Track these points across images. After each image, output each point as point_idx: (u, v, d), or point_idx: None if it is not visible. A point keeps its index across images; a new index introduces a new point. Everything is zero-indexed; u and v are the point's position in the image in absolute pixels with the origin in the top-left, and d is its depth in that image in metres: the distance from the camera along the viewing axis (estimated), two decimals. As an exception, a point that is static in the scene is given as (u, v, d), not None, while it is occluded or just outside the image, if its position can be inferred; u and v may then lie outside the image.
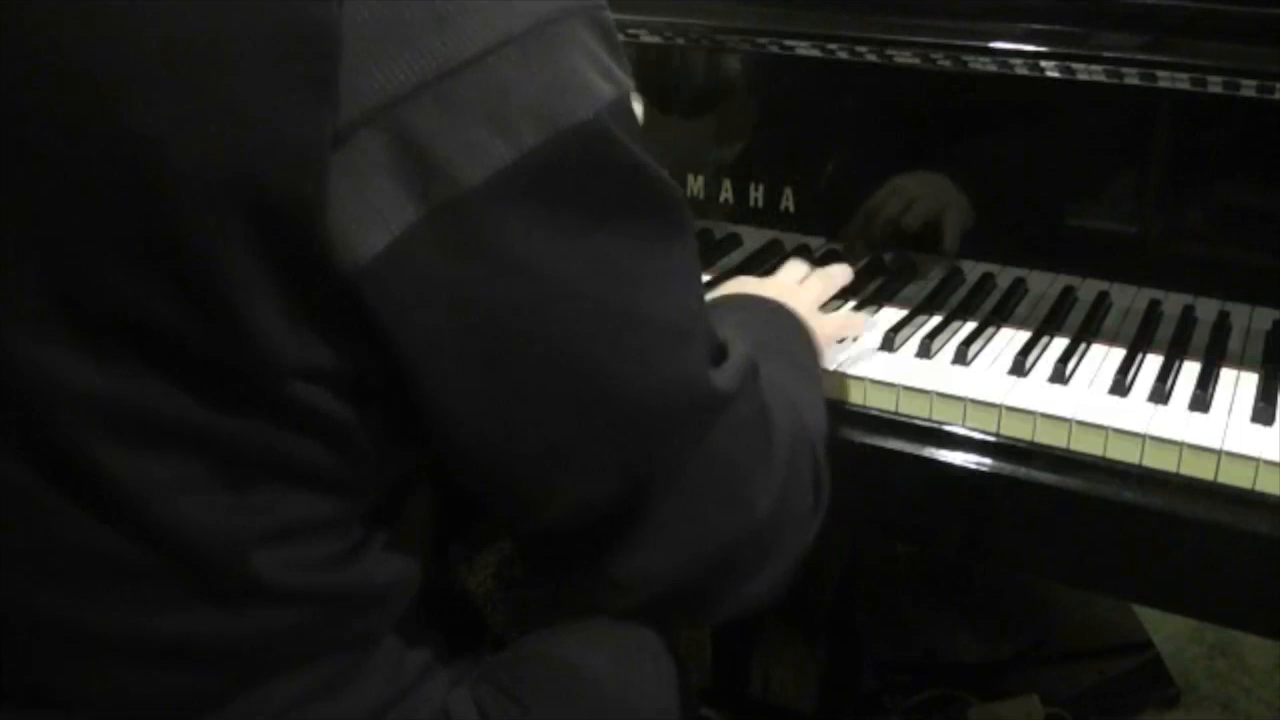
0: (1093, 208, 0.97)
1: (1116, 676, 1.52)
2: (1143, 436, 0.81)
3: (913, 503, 0.90)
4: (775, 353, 0.73)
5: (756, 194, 1.07)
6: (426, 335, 0.50)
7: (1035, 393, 0.87)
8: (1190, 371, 0.89)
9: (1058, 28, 0.90)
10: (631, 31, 1.04)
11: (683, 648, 0.72)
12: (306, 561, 0.56)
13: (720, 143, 1.09)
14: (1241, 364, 0.90)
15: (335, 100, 0.46)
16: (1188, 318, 0.95)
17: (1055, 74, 0.91)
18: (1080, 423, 0.83)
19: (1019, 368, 0.90)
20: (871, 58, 0.97)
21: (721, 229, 1.10)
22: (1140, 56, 0.87)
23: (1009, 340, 0.96)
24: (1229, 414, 0.84)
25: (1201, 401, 0.84)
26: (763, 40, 1.01)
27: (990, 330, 0.96)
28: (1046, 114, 0.96)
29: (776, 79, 1.06)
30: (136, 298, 0.48)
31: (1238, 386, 0.87)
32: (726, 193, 1.09)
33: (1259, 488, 0.78)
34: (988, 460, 0.85)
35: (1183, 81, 0.87)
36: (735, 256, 1.09)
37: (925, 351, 0.93)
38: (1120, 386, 0.87)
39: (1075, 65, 0.90)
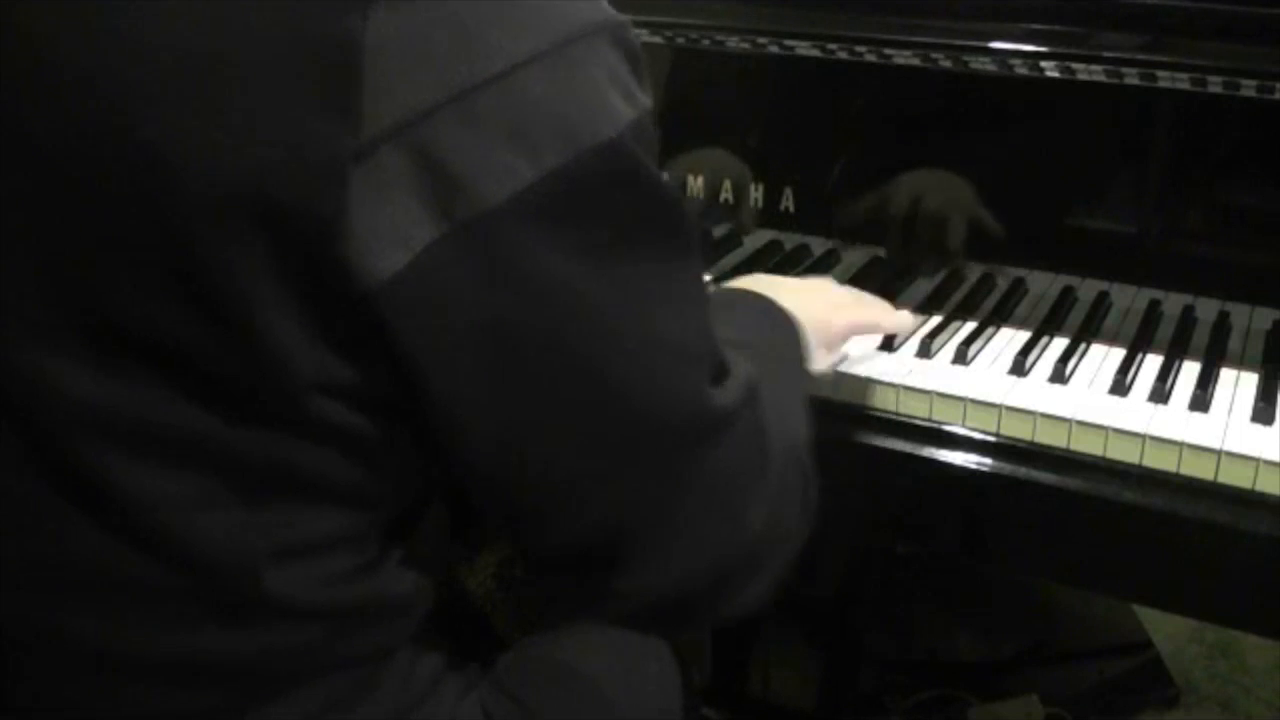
0: (1093, 208, 0.97)
1: (1116, 676, 1.52)
2: (1143, 436, 0.81)
3: (913, 503, 0.90)
4: (763, 357, 0.73)
5: (756, 194, 1.07)
6: (444, 353, 0.50)
7: (1035, 393, 0.87)
8: (1190, 371, 0.89)
9: (1058, 28, 0.90)
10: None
11: (683, 648, 0.72)
12: (321, 577, 0.56)
13: (720, 143, 1.09)
14: (1241, 364, 0.90)
15: (357, 117, 0.45)
16: (1188, 318, 0.95)
17: (1055, 74, 0.91)
18: (1080, 423, 0.83)
19: (1019, 368, 0.90)
20: (871, 58, 0.97)
21: (722, 229, 1.10)
22: (1140, 56, 0.87)
23: (1009, 340, 0.96)
24: (1229, 414, 0.84)
25: (1201, 401, 0.84)
26: (763, 40, 1.01)
27: (990, 330, 0.96)
28: (1046, 114, 0.96)
29: (776, 79, 1.06)
30: (152, 313, 0.48)
31: (1238, 386, 0.87)
32: (726, 193, 1.09)
33: (1259, 488, 0.78)
34: (988, 460, 0.85)
35: (1183, 81, 0.87)
36: (735, 256, 1.09)
37: (925, 351, 0.93)
38: (1120, 386, 0.87)
39: (1075, 65, 0.90)
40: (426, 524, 0.63)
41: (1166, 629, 1.63)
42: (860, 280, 1.03)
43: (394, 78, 0.46)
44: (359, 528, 0.57)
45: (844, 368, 0.90)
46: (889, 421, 0.89)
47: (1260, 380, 0.88)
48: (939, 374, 0.90)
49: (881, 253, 1.06)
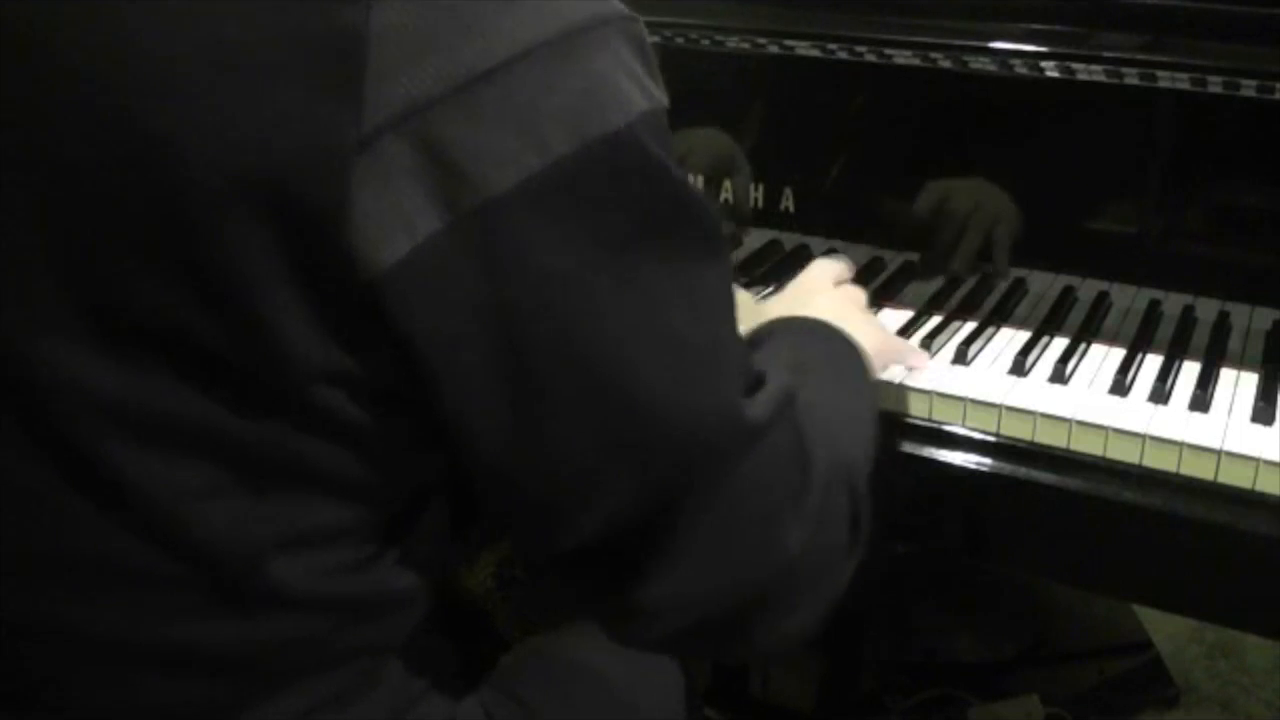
0: (1093, 208, 0.97)
1: (1116, 676, 1.52)
2: (1143, 436, 0.81)
3: (913, 503, 0.90)
4: (819, 375, 0.71)
5: (756, 194, 1.07)
6: (447, 343, 0.49)
7: (1035, 393, 0.87)
8: (1190, 371, 0.89)
9: (1058, 28, 0.90)
10: (631, 31, 1.04)
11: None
12: (324, 569, 0.56)
13: (720, 143, 1.09)
14: (1241, 364, 0.90)
15: (361, 106, 0.45)
16: (1188, 318, 0.95)
17: (1055, 74, 0.91)
18: (1080, 423, 0.83)
19: (1019, 368, 0.90)
20: (871, 58, 0.97)
21: (723, 229, 1.10)
22: (1140, 56, 0.87)
23: (1009, 340, 0.96)
24: (1229, 414, 0.84)
25: (1201, 401, 0.84)
26: (763, 40, 1.01)
27: (990, 330, 0.96)
28: (1046, 114, 0.96)
29: (776, 79, 1.06)
30: (159, 302, 0.48)
31: (1238, 386, 0.87)
32: (726, 193, 1.09)
33: (1259, 488, 0.78)
34: (988, 460, 0.85)
35: (1183, 81, 0.87)
36: (735, 256, 1.09)
37: (925, 351, 0.93)
38: (1120, 386, 0.87)
39: (1075, 65, 0.90)
40: (428, 520, 0.63)
41: (1166, 629, 1.64)
42: (860, 280, 1.03)
43: (398, 67, 0.45)
44: (361, 521, 0.57)
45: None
46: (889, 421, 0.88)
47: (1260, 380, 0.88)
48: (939, 374, 0.90)
49: (882, 253, 1.06)
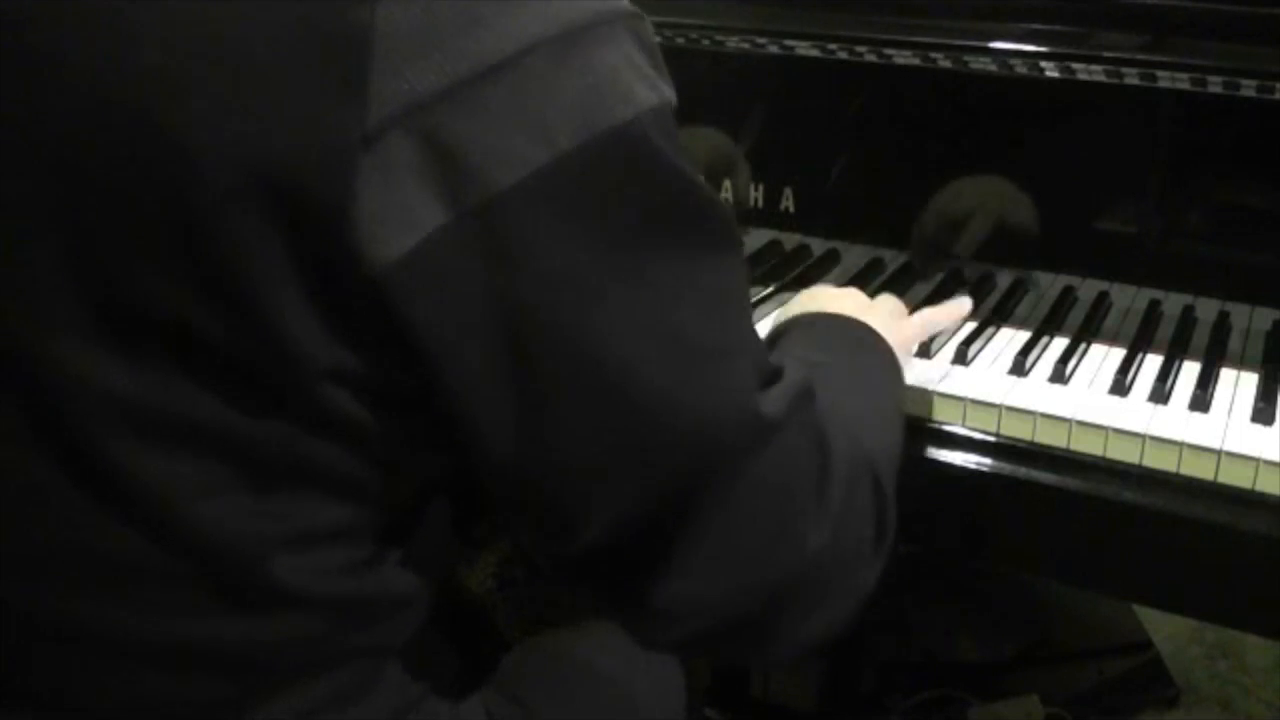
0: (1093, 208, 0.97)
1: (1116, 676, 1.52)
2: (1143, 436, 0.81)
3: (913, 503, 0.90)
4: (842, 372, 0.70)
5: (756, 194, 1.07)
6: (452, 338, 0.49)
7: (1035, 393, 0.87)
8: (1190, 371, 0.89)
9: (1058, 28, 0.90)
10: (631, 31, 1.04)
11: (683, 648, 0.72)
12: (326, 568, 0.56)
13: (720, 143, 1.09)
14: (1241, 364, 0.90)
15: (366, 102, 0.45)
16: (1188, 318, 0.95)
17: (1055, 74, 0.91)
18: (1080, 423, 0.83)
19: (1019, 368, 0.90)
20: (871, 58, 0.97)
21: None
22: (1140, 56, 0.87)
23: (1009, 340, 0.96)
24: (1229, 414, 0.84)
25: (1201, 401, 0.84)
26: (763, 40, 1.01)
27: (990, 330, 0.96)
28: (1046, 114, 0.96)
29: (776, 79, 1.06)
30: (165, 298, 0.48)
31: (1238, 386, 0.87)
32: (726, 193, 1.09)
33: (1259, 488, 0.78)
34: (988, 460, 0.85)
35: (1183, 81, 0.87)
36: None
37: (925, 352, 0.93)
38: (1120, 386, 0.87)
39: (1075, 65, 0.90)
40: (430, 521, 0.63)
41: (1166, 629, 1.64)
42: (860, 280, 1.03)
43: (403, 63, 0.46)
44: (364, 521, 0.57)
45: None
46: (889, 421, 0.88)
47: (1260, 380, 0.88)
48: (939, 374, 0.90)
49: (882, 253, 1.06)
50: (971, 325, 0.97)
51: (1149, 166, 0.94)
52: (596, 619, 0.70)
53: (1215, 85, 0.86)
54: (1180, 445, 0.80)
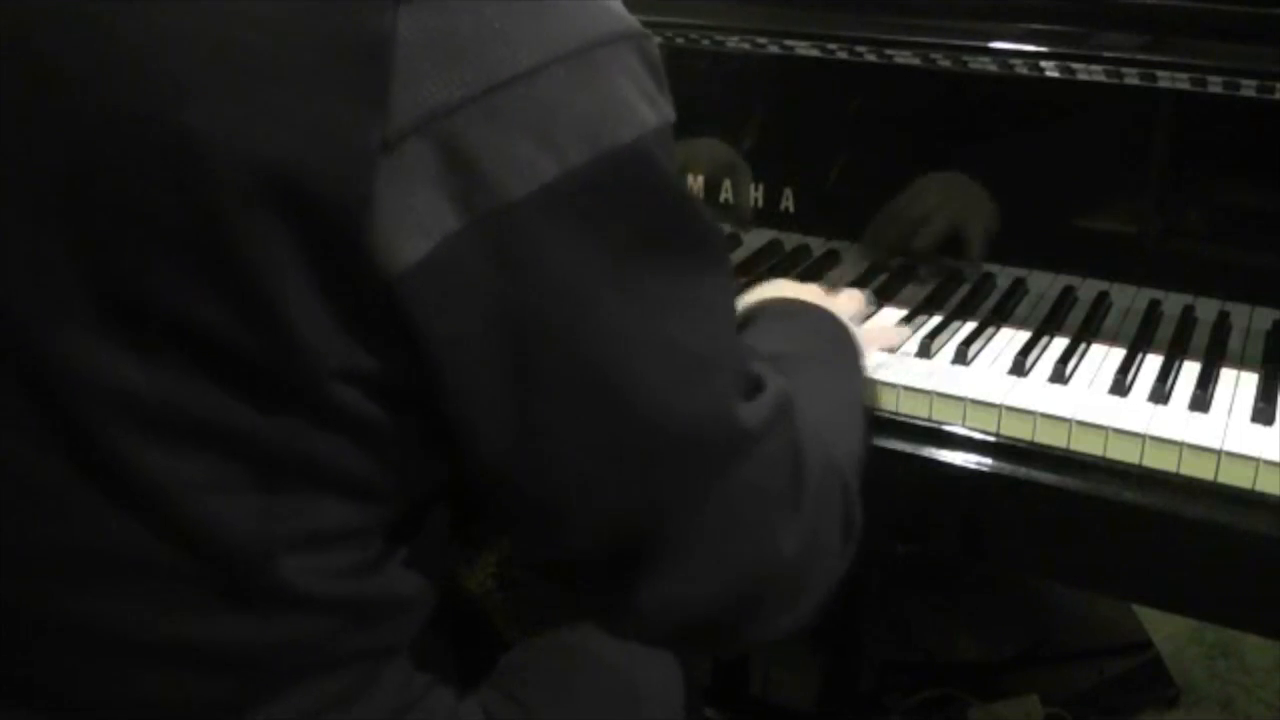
0: (1093, 208, 0.97)
1: (1116, 676, 1.52)
2: (1143, 436, 0.81)
3: (913, 503, 0.90)
4: (814, 369, 0.72)
5: (756, 194, 1.07)
6: (457, 341, 0.50)
7: (1035, 393, 0.87)
8: (1190, 371, 0.89)
9: (1058, 28, 0.90)
10: (631, 31, 1.04)
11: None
12: (332, 569, 0.56)
13: (720, 143, 1.09)
14: (1241, 364, 0.90)
15: (386, 109, 0.46)
16: (1188, 318, 0.95)
17: (1055, 74, 0.91)
18: (1080, 423, 0.83)
19: (1019, 368, 0.90)
20: (871, 58, 0.97)
21: (722, 229, 1.10)
22: (1140, 56, 0.87)
23: (1009, 340, 0.96)
24: (1229, 414, 0.84)
25: (1201, 401, 0.84)
26: (763, 40, 1.01)
27: (990, 330, 0.96)
28: (1046, 114, 0.96)
29: (776, 79, 1.06)
30: (180, 296, 0.49)
31: (1238, 386, 0.87)
32: (726, 193, 1.09)
33: (1259, 488, 0.78)
34: (988, 460, 0.85)
35: (1183, 81, 0.87)
36: (735, 257, 1.09)
37: (925, 351, 0.93)
38: (1120, 386, 0.87)
39: (1075, 65, 0.90)
40: (433, 523, 0.63)
41: (1166, 629, 1.63)
42: (860, 281, 1.03)
43: (422, 72, 0.47)
44: (370, 522, 0.58)
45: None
46: (889, 421, 0.88)
47: (1260, 380, 0.88)
48: (939, 374, 0.90)
49: (881, 252, 1.06)
50: (972, 325, 0.97)
51: (1149, 166, 0.94)
52: (595, 619, 0.70)
53: (1215, 85, 0.86)
54: (1180, 445, 0.80)
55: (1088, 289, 0.99)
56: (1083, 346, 0.93)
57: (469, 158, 0.48)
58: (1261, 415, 0.83)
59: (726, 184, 1.09)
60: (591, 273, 0.51)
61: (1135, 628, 1.59)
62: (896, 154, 1.04)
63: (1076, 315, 0.98)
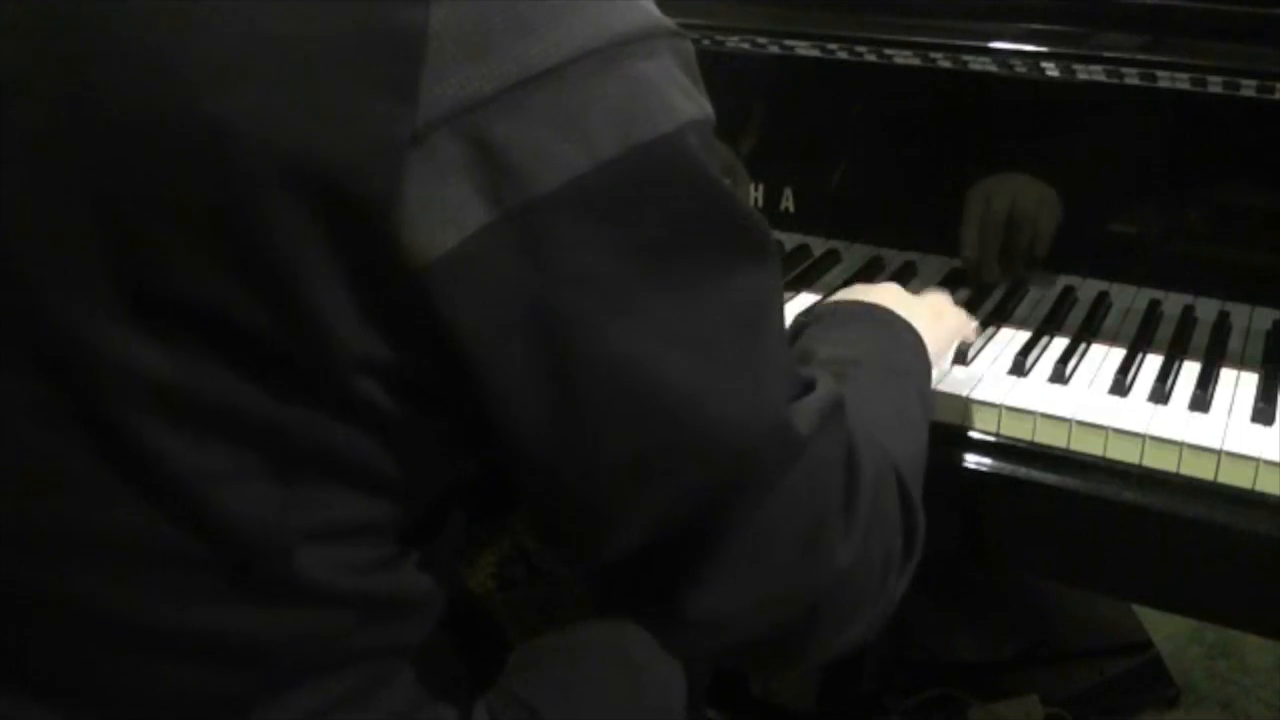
0: (1093, 208, 0.97)
1: (1116, 676, 1.52)
2: (1143, 436, 0.81)
3: (913, 503, 0.90)
4: (872, 373, 0.71)
5: (756, 194, 1.07)
6: (489, 336, 0.50)
7: (1035, 393, 0.87)
8: (1190, 371, 0.89)
9: (1058, 28, 0.90)
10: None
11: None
12: (348, 564, 0.56)
13: (720, 143, 1.09)
14: (1241, 364, 0.90)
15: (416, 101, 0.46)
16: (1188, 318, 0.96)
17: (1055, 74, 0.91)
18: (1080, 423, 0.83)
19: (1019, 368, 0.90)
20: (871, 58, 0.97)
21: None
22: (1140, 56, 0.87)
23: (1009, 340, 0.96)
24: (1229, 414, 0.84)
25: (1201, 401, 0.84)
26: (763, 40, 1.01)
27: (991, 330, 0.96)
28: (1046, 114, 0.96)
29: (776, 79, 1.06)
30: (203, 284, 0.49)
31: (1238, 386, 0.88)
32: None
33: (1259, 488, 0.78)
34: (988, 460, 0.85)
35: (1183, 81, 0.87)
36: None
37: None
38: (1120, 386, 0.87)
39: (1075, 65, 0.90)
40: (449, 523, 0.63)
41: (1166, 629, 1.63)
42: (860, 281, 1.02)
43: (453, 65, 0.47)
44: (388, 518, 0.57)
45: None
46: (889, 421, 0.88)
47: (1260, 380, 0.88)
48: (940, 374, 0.90)
49: (882, 253, 1.06)
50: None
51: (1149, 166, 0.94)
52: (597, 619, 0.70)
53: (1215, 85, 0.86)
54: (1180, 445, 0.80)
55: (1088, 289, 0.99)
56: (1083, 346, 0.93)
57: (499, 151, 0.48)
58: (1261, 415, 0.83)
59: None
60: (622, 267, 0.51)
61: (1135, 628, 1.59)
62: (897, 154, 1.04)
63: (1076, 315, 0.98)
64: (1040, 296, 1.01)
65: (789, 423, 0.56)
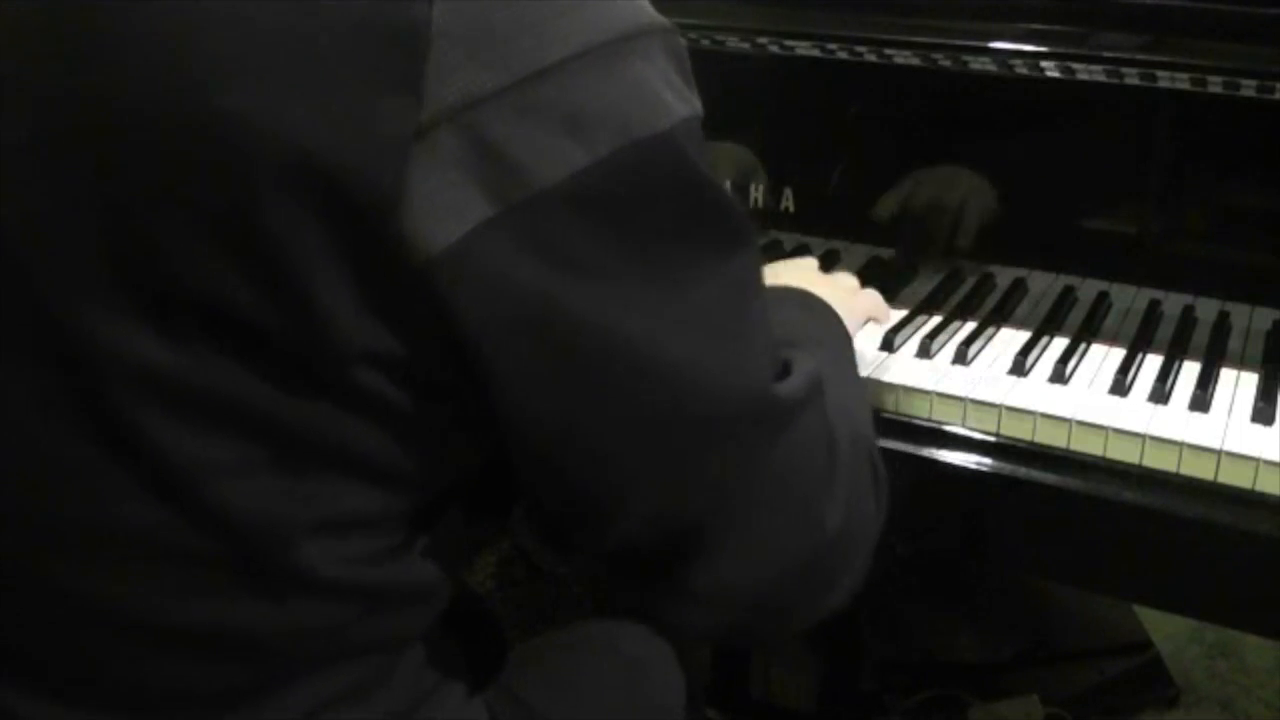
0: (1093, 208, 0.97)
1: (1116, 676, 1.52)
2: (1143, 436, 0.81)
3: (913, 503, 0.90)
4: (826, 353, 0.73)
5: (756, 194, 1.07)
6: (493, 328, 0.51)
7: (1035, 393, 0.87)
8: (1190, 371, 0.89)
9: (1058, 28, 0.90)
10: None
11: (686, 649, 0.72)
12: (351, 556, 0.57)
13: (721, 143, 1.09)
14: (1241, 364, 0.90)
15: (419, 97, 0.47)
16: (1188, 318, 0.95)
17: (1055, 74, 0.91)
18: (1080, 423, 0.83)
19: (1019, 368, 0.90)
20: (871, 58, 0.97)
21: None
22: (1140, 56, 0.87)
23: (1009, 340, 0.96)
24: (1229, 414, 0.84)
25: (1201, 401, 0.84)
26: (763, 40, 1.01)
27: (990, 330, 0.96)
28: (1046, 114, 0.96)
29: (776, 79, 1.06)
30: (207, 276, 0.49)
31: (1238, 386, 0.87)
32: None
33: (1259, 488, 0.78)
34: (988, 460, 0.85)
35: (1183, 81, 0.87)
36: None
37: (925, 351, 0.93)
38: (1120, 386, 0.87)
39: (1075, 65, 0.90)
40: (452, 516, 0.63)
41: (1166, 629, 1.63)
42: (861, 280, 1.02)
43: (456, 61, 0.47)
44: (391, 510, 0.58)
45: (844, 368, 0.90)
46: (889, 421, 0.88)
47: (1260, 380, 0.88)
48: (939, 374, 0.90)
49: (881, 253, 1.06)
50: (972, 325, 0.97)
51: (1149, 166, 0.94)
52: (597, 619, 0.70)
53: (1215, 85, 0.86)
54: (1180, 445, 0.80)
55: (1088, 289, 0.99)
56: (1083, 346, 0.93)
57: (500, 147, 0.49)
58: (1261, 415, 0.83)
59: (727, 184, 1.09)
60: (621, 258, 0.52)
61: (1135, 628, 1.59)
62: (896, 154, 1.04)
63: (1076, 315, 0.98)
64: (1040, 296, 1.01)
65: (780, 396, 0.58)
